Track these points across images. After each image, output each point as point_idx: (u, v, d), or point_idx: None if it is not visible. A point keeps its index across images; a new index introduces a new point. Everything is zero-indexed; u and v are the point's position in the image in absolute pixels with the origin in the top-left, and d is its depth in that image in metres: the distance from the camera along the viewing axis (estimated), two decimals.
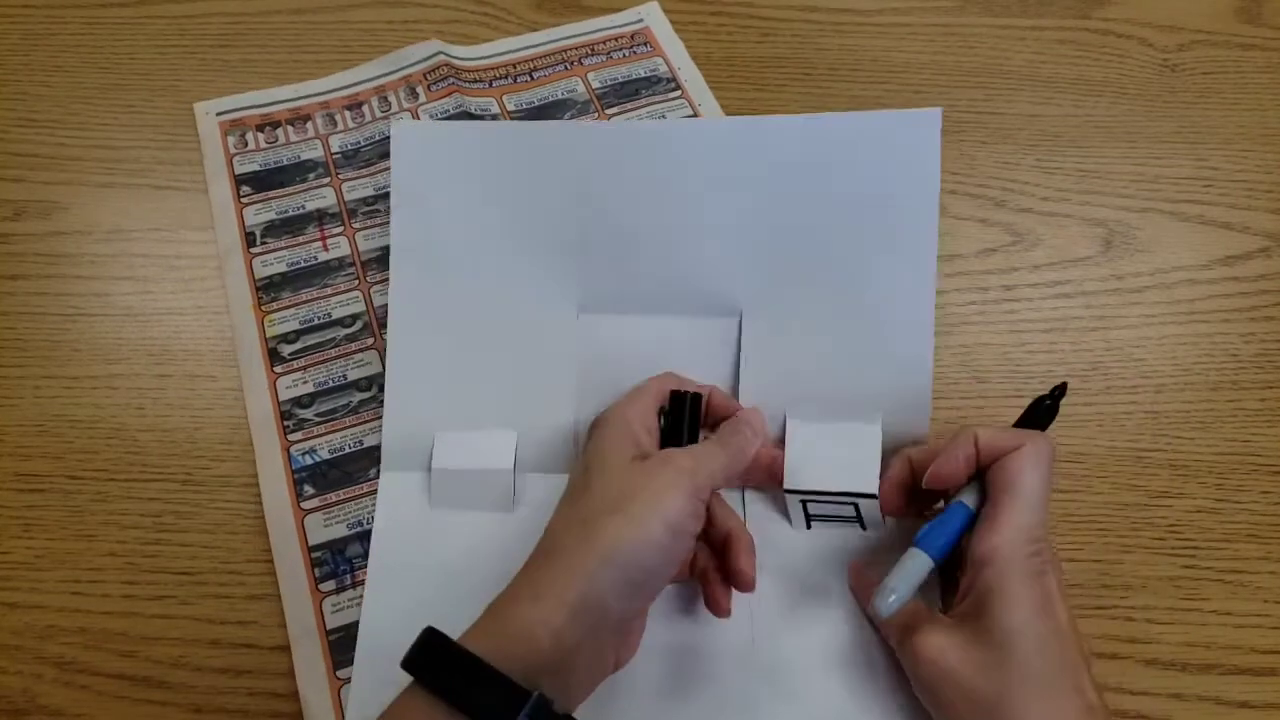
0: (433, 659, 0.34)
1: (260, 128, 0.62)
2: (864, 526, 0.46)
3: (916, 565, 0.39)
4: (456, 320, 0.49)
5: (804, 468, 0.45)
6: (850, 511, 0.45)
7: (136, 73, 0.65)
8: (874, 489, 0.44)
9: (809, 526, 0.46)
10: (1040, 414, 0.44)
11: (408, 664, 0.35)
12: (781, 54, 0.68)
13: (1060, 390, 0.44)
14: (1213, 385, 0.53)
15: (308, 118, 0.62)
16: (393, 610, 0.44)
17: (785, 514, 0.47)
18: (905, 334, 0.46)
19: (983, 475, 0.41)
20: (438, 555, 0.46)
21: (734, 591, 0.42)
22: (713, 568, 0.43)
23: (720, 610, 0.42)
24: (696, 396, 0.44)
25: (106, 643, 0.44)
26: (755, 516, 0.47)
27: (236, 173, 0.59)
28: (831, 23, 0.70)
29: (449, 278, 0.49)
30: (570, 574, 0.36)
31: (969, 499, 0.41)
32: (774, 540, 0.46)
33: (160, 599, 0.45)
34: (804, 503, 0.45)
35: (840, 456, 0.45)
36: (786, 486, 0.45)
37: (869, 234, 0.47)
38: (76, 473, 0.49)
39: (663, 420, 0.44)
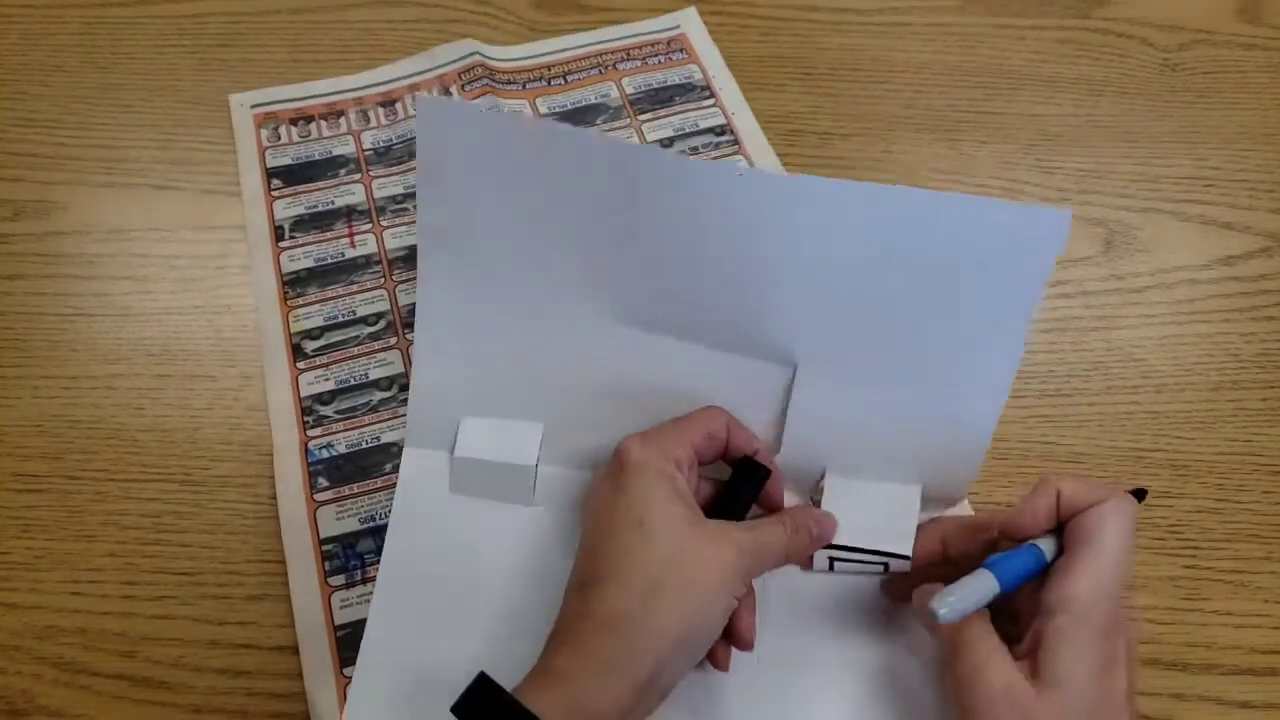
0: (490, 712, 0.34)
1: (294, 121, 0.62)
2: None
3: (982, 583, 0.38)
4: (489, 303, 0.46)
5: (839, 523, 0.44)
6: (878, 570, 0.44)
7: (136, 72, 0.65)
8: (908, 550, 0.43)
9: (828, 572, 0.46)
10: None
11: (461, 710, 0.34)
12: (782, 54, 0.68)
13: (1142, 495, 0.41)
14: (1213, 385, 0.53)
15: (341, 113, 0.62)
16: (405, 590, 0.44)
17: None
18: (971, 413, 0.44)
19: (1061, 529, 0.39)
20: (454, 541, 0.45)
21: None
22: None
23: (722, 665, 0.41)
24: (767, 473, 0.42)
25: (106, 643, 0.44)
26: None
27: (268, 166, 0.59)
28: (831, 22, 0.70)
29: (480, 260, 0.45)
30: (639, 654, 0.35)
31: (1044, 545, 0.39)
32: (786, 576, 0.45)
33: (160, 599, 0.45)
34: (831, 559, 0.44)
35: (876, 515, 0.44)
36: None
37: (954, 319, 0.43)
38: (76, 473, 0.49)
39: (722, 483, 0.43)
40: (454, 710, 0.34)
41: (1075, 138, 0.64)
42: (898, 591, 0.44)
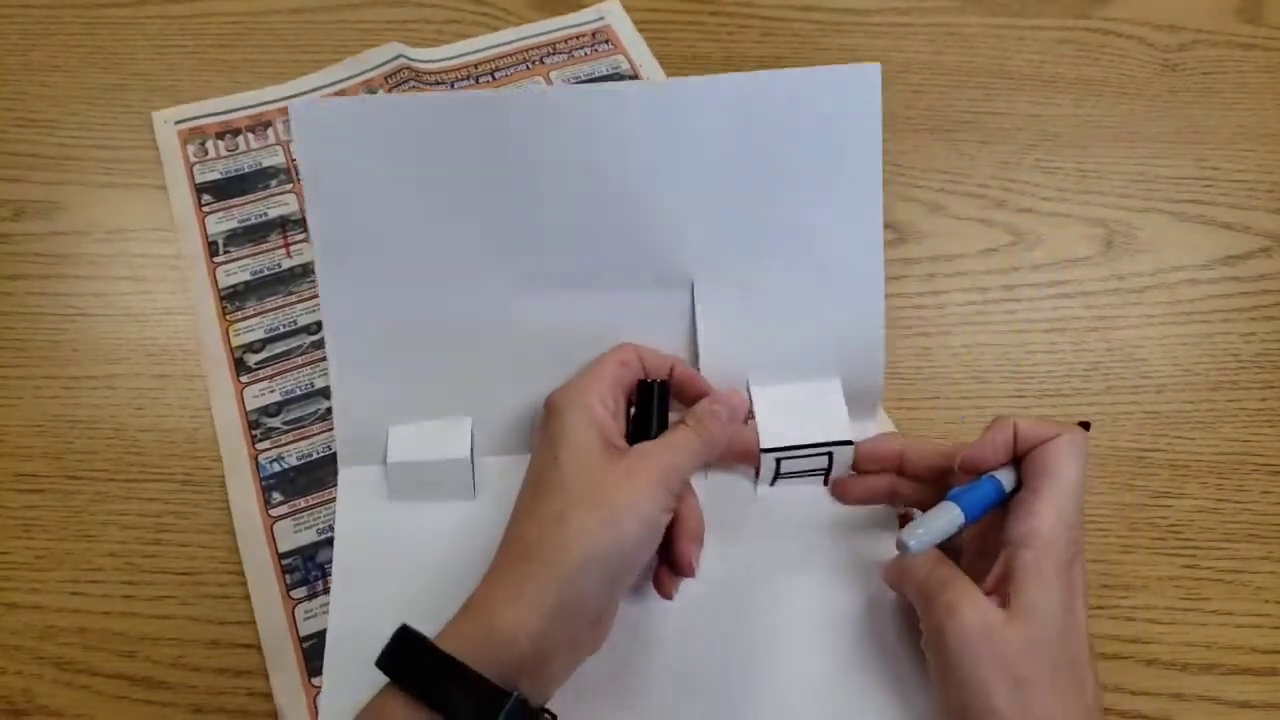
0: (409, 659, 0.35)
1: (220, 135, 0.61)
2: (827, 481, 0.47)
3: (948, 514, 0.39)
4: (393, 306, 0.46)
5: (777, 427, 0.46)
6: (823, 464, 0.46)
7: (136, 73, 0.65)
8: (849, 436, 0.45)
9: (773, 484, 0.47)
10: None
11: (383, 663, 0.35)
12: (781, 54, 0.68)
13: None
14: (1213, 385, 0.53)
15: (268, 124, 0.62)
16: (360, 606, 0.44)
17: (750, 476, 0.47)
18: (857, 290, 0.47)
19: (1018, 463, 0.41)
20: (402, 548, 0.45)
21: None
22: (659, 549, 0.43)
23: (665, 592, 0.43)
24: (665, 385, 0.44)
25: (106, 643, 0.44)
26: (717, 479, 0.47)
27: (197, 181, 0.59)
28: (831, 23, 0.70)
29: (378, 265, 0.45)
30: (548, 577, 0.36)
31: (1003, 477, 0.41)
32: (738, 502, 0.47)
33: (160, 599, 0.45)
34: (778, 460, 0.46)
35: (809, 412, 0.46)
36: (764, 446, 0.46)
37: (815, 193, 0.46)
38: (76, 473, 0.49)
39: (630, 410, 0.44)
40: (377, 664, 0.35)
41: (1075, 138, 0.64)
42: (847, 493, 0.46)
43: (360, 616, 0.43)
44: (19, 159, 0.60)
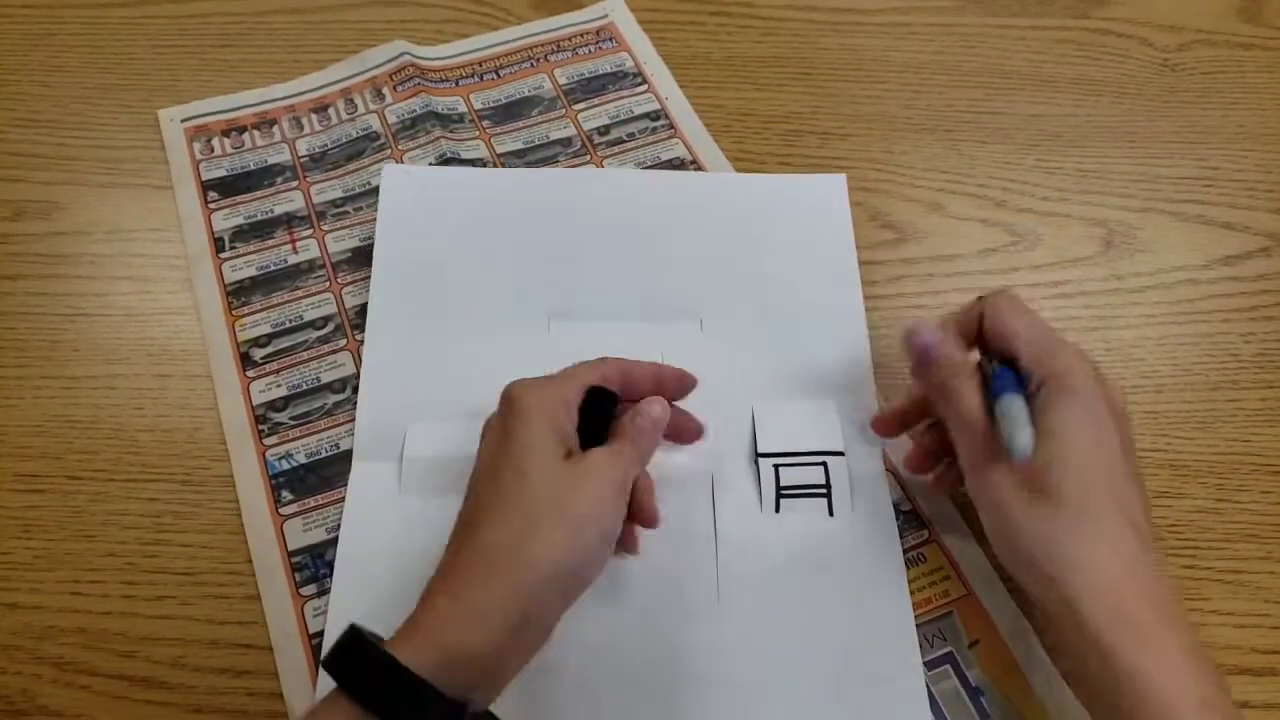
0: (363, 666, 0.34)
1: (226, 133, 0.62)
2: (831, 511, 0.47)
3: (1017, 406, 0.39)
4: (432, 323, 0.52)
5: (774, 435, 0.48)
6: (820, 476, 0.47)
7: (136, 73, 0.65)
8: (841, 447, 0.48)
9: (778, 509, 0.47)
10: None
11: (332, 666, 0.34)
12: (781, 54, 0.68)
13: None
14: (1213, 385, 0.53)
15: (274, 122, 0.62)
16: (361, 595, 0.44)
17: (755, 500, 0.47)
18: (846, 351, 0.52)
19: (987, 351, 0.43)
20: (406, 540, 0.46)
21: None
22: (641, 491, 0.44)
23: (630, 548, 0.45)
24: (613, 397, 0.43)
25: (106, 643, 0.44)
26: (725, 506, 0.47)
27: (203, 179, 0.59)
28: (831, 23, 0.70)
29: (426, 290, 0.53)
30: (514, 591, 0.35)
31: (993, 363, 0.42)
32: (744, 530, 0.47)
33: (160, 599, 0.45)
34: (776, 468, 0.47)
35: (806, 424, 0.49)
36: (761, 450, 0.48)
37: (800, 270, 0.55)
38: (76, 473, 0.49)
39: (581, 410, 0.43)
40: (323, 664, 0.34)
41: (1075, 138, 0.64)
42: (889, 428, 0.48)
43: (360, 604, 0.44)
44: (19, 159, 0.60)
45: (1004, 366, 0.41)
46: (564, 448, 0.39)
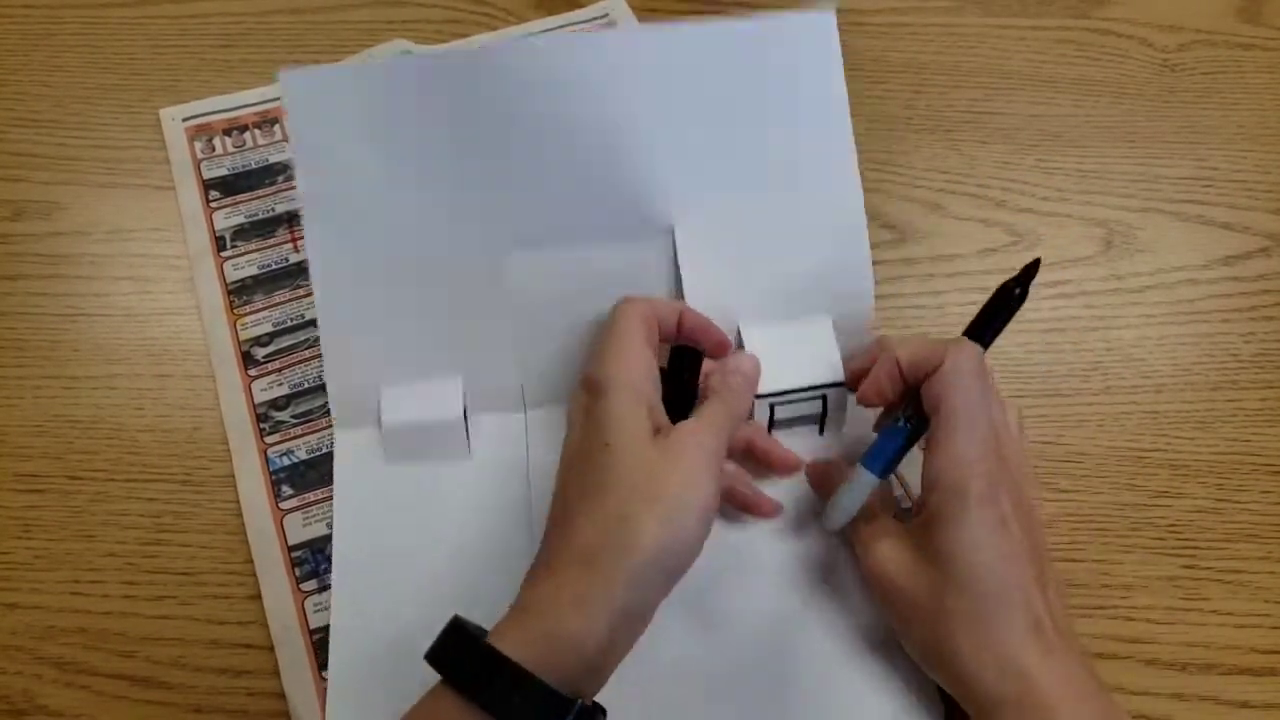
0: (466, 659, 0.34)
1: (227, 132, 0.62)
2: (822, 430, 0.47)
3: (861, 483, 0.41)
4: (382, 267, 0.47)
5: (769, 371, 0.45)
6: (816, 408, 0.46)
7: (136, 73, 0.65)
8: (841, 377, 0.46)
9: (770, 432, 0.47)
10: (1005, 305, 0.42)
11: (436, 659, 0.34)
12: None
13: (1032, 269, 0.42)
14: (1213, 385, 0.53)
15: (275, 121, 0.62)
16: (363, 570, 0.44)
17: None
18: (838, 220, 0.47)
19: (918, 393, 0.40)
20: (402, 509, 0.46)
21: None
22: (737, 482, 0.45)
23: (770, 509, 0.45)
24: (698, 355, 0.43)
25: (106, 643, 0.44)
26: None
27: (205, 177, 0.59)
28: None
29: (368, 226, 0.47)
30: (614, 583, 0.34)
31: (909, 416, 0.41)
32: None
33: (160, 599, 0.45)
34: (772, 405, 0.46)
35: (801, 353, 0.46)
36: (757, 392, 0.45)
37: (785, 130, 0.47)
38: (76, 473, 0.49)
39: (665, 378, 0.42)
40: (428, 659, 0.34)
41: (1075, 138, 0.64)
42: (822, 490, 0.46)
43: (363, 579, 0.44)
44: (19, 159, 0.60)
45: (892, 429, 0.41)
46: (651, 422, 0.38)
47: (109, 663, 0.44)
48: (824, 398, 0.46)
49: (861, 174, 0.61)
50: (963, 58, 0.68)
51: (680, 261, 0.47)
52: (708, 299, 0.46)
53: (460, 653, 0.34)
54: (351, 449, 0.47)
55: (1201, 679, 0.44)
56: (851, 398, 0.45)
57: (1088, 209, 0.60)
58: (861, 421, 0.47)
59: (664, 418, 0.40)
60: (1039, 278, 0.57)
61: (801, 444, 0.47)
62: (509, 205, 0.46)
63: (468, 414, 0.47)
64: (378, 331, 0.47)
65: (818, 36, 0.46)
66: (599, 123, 0.46)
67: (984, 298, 0.56)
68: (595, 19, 0.69)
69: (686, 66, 0.46)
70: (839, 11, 0.70)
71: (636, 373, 0.39)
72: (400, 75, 0.45)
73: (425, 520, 0.45)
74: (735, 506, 0.45)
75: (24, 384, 0.51)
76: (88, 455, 0.49)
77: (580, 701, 0.33)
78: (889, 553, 0.39)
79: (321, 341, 0.47)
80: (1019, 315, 0.56)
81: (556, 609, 0.34)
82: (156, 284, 0.55)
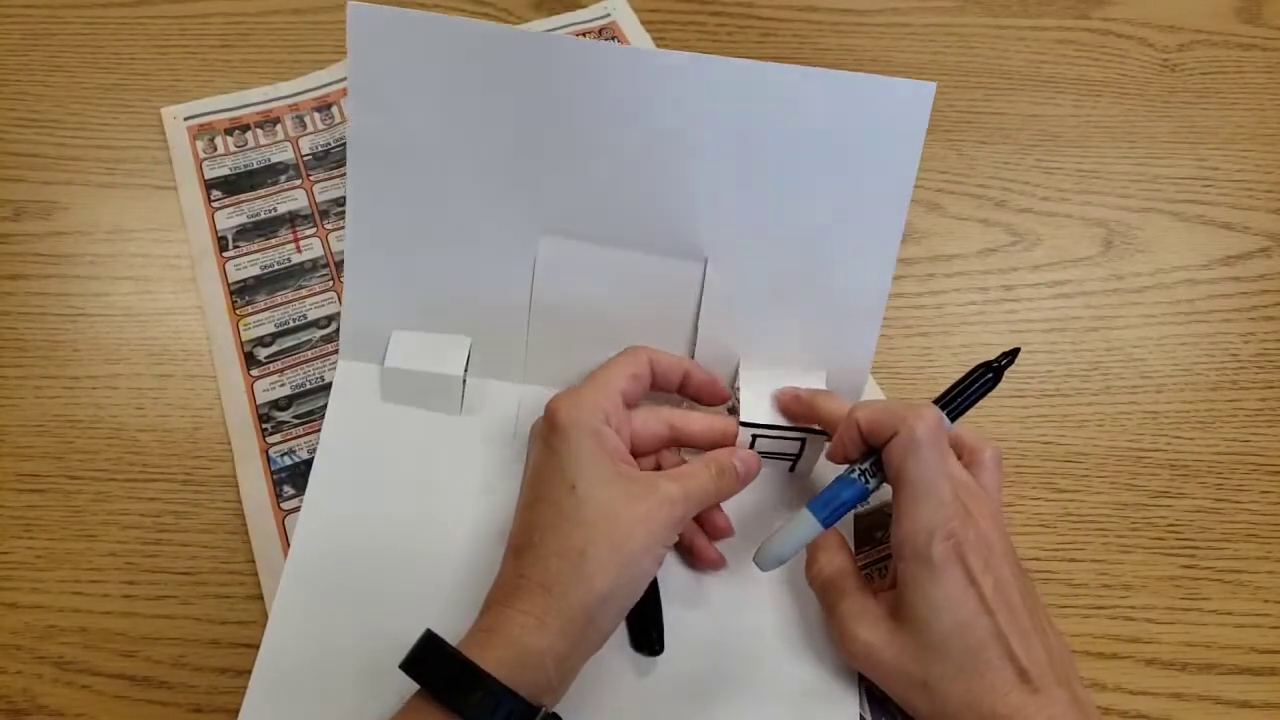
0: (443, 670, 0.36)
1: (229, 131, 0.62)
2: (793, 468, 0.48)
3: (803, 528, 0.41)
4: (417, 217, 0.48)
5: (759, 406, 0.46)
6: (794, 448, 0.47)
7: (136, 73, 0.65)
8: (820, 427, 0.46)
9: None
10: (979, 383, 0.42)
11: (415, 670, 0.36)
12: (781, 54, 0.68)
13: (1010, 357, 0.42)
14: (1213, 385, 0.53)
15: (277, 120, 0.62)
16: (337, 494, 0.46)
17: None
18: (860, 300, 0.47)
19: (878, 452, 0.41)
20: (385, 447, 0.47)
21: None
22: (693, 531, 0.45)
23: (715, 562, 0.45)
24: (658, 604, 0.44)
25: (106, 643, 0.44)
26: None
27: (206, 177, 0.59)
28: (831, 23, 0.70)
29: (412, 173, 0.47)
30: (572, 610, 0.37)
31: (864, 471, 0.41)
32: None
33: (160, 599, 0.45)
34: (754, 436, 0.46)
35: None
36: (743, 420, 0.46)
37: (841, 196, 0.46)
38: (76, 473, 0.49)
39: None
40: (403, 667, 0.36)
41: (1075, 138, 0.64)
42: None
43: (335, 503, 0.46)
44: (19, 159, 0.60)
45: (849, 481, 0.41)
46: (611, 463, 0.40)
47: (109, 663, 0.44)
48: (803, 440, 0.47)
49: None
50: (963, 58, 0.68)
51: (705, 295, 0.48)
52: (718, 331, 0.48)
53: (435, 662, 0.36)
54: (351, 379, 0.49)
55: (1201, 679, 0.45)
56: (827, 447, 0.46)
57: (1088, 209, 0.60)
58: (834, 469, 0.46)
59: (627, 456, 0.41)
60: (1039, 277, 0.57)
61: (769, 478, 0.47)
62: (556, 190, 0.46)
63: (468, 375, 0.49)
64: (401, 277, 0.48)
65: (914, 104, 0.45)
66: (661, 139, 0.45)
67: (983, 298, 0.56)
68: (597, 19, 0.69)
69: (760, 107, 0.45)
70: (839, 11, 0.71)
71: (599, 418, 0.41)
72: (471, 37, 0.44)
73: (404, 462, 0.47)
74: (684, 548, 0.46)
75: (24, 384, 0.51)
76: (88, 455, 0.49)
77: (544, 709, 0.36)
78: (869, 634, 0.40)
79: (345, 272, 0.49)
80: (1019, 314, 0.56)
81: (520, 629, 0.36)
82: (157, 284, 0.55)
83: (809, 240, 0.47)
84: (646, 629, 0.43)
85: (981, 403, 0.45)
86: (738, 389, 0.47)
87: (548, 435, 0.41)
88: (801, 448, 0.47)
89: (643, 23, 0.69)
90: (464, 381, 0.48)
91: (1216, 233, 0.59)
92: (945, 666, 0.37)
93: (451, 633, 0.37)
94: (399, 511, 0.46)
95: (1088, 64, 0.68)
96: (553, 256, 0.48)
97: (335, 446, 0.47)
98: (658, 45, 0.67)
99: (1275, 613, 0.46)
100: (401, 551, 0.45)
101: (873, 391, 0.51)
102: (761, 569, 0.41)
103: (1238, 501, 0.50)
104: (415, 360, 0.48)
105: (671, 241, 0.47)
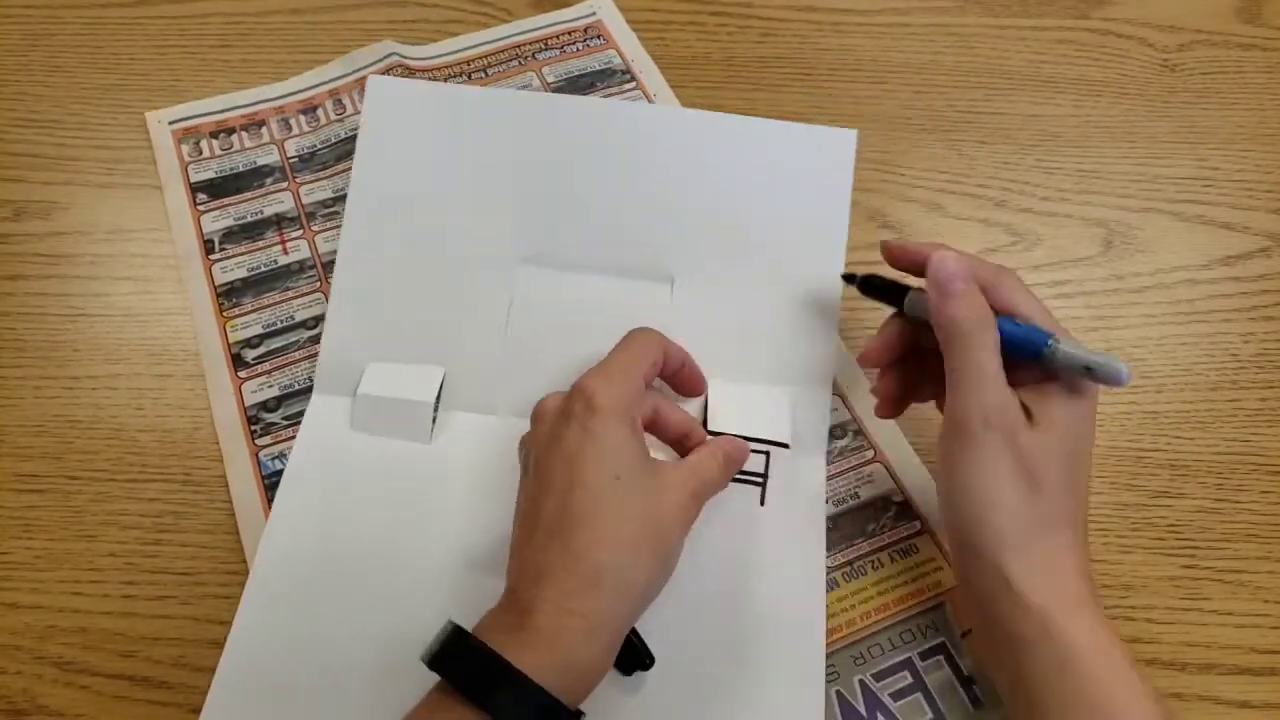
0: (475, 669, 0.34)
1: (214, 134, 0.62)
2: (763, 501, 0.47)
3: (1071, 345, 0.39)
4: (401, 259, 0.51)
5: (724, 416, 0.48)
6: (760, 466, 0.48)
7: (136, 73, 0.65)
8: (787, 439, 0.48)
9: None
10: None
11: (446, 668, 0.35)
12: (781, 54, 0.68)
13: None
14: (1212, 385, 0.53)
15: (262, 123, 0.62)
16: (302, 517, 0.46)
17: None
18: (814, 316, 0.50)
19: None
20: (352, 472, 0.47)
21: None
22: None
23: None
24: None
25: (106, 643, 0.44)
26: None
27: (192, 180, 0.59)
28: (831, 23, 0.70)
29: (400, 223, 0.51)
30: (621, 611, 0.37)
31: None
32: None
33: (160, 599, 0.45)
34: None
35: (758, 411, 0.49)
36: (710, 428, 0.47)
37: (787, 231, 0.50)
38: (76, 473, 0.49)
39: None
40: (430, 663, 0.35)
41: (1075, 138, 0.64)
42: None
43: (298, 526, 0.46)
44: (19, 159, 0.60)
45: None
46: (645, 452, 0.40)
47: (109, 663, 0.44)
48: (766, 455, 0.47)
49: (861, 174, 0.61)
50: (963, 58, 0.68)
51: (674, 309, 0.50)
52: (690, 347, 0.48)
53: (471, 664, 0.34)
54: (322, 410, 0.49)
55: (1201, 679, 0.44)
56: (795, 464, 0.48)
57: (1088, 209, 0.60)
58: (805, 500, 0.47)
59: (648, 449, 0.41)
60: (1039, 277, 0.57)
61: (740, 511, 0.47)
62: (534, 228, 0.51)
63: (440, 405, 0.49)
64: (382, 314, 0.50)
65: (838, 149, 0.51)
66: (626, 180, 0.51)
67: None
68: (583, 17, 0.69)
69: (714, 151, 0.51)
70: (839, 11, 0.71)
71: (634, 404, 0.40)
72: (462, 100, 0.52)
73: (371, 488, 0.47)
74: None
75: (24, 384, 0.51)
76: (88, 455, 0.49)
77: (581, 714, 0.35)
78: (1005, 395, 0.38)
79: (328, 311, 0.50)
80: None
81: (572, 635, 0.35)
82: (156, 284, 0.55)
83: (763, 264, 0.50)
84: (629, 646, 0.41)
85: None
86: (706, 400, 0.48)
87: (585, 418, 0.39)
88: (766, 464, 0.47)
89: (643, 23, 0.69)
90: (435, 410, 0.49)
91: (1216, 233, 0.59)
92: (1058, 474, 0.38)
93: (409, 646, 0.36)
94: (362, 534, 0.46)
95: (1088, 64, 0.68)
96: (529, 285, 0.50)
97: (302, 470, 0.47)
98: (655, 46, 0.67)
99: (1275, 613, 0.46)
100: (363, 574, 0.45)
101: (822, 404, 0.50)
102: (1130, 377, 0.38)
103: (1238, 501, 0.50)
104: (388, 388, 0.49)
105: (641, 267, 0.51)
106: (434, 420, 0.49)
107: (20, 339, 0.53)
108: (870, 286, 0.46)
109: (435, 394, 0.49)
